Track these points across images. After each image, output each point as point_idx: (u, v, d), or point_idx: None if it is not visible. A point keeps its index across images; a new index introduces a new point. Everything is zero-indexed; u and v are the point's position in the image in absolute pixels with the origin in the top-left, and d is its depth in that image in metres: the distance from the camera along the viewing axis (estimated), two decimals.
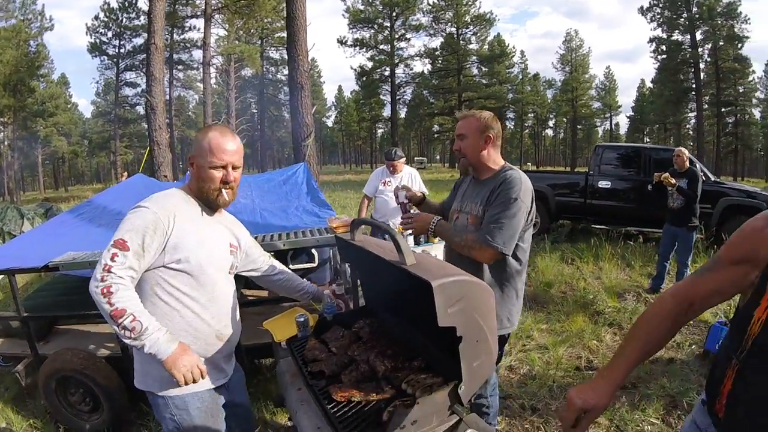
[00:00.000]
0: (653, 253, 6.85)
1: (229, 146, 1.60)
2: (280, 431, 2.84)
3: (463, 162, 2.08)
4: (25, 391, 3.23)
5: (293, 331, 2.00)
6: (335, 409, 1.34)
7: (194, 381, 1.46)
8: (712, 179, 7.80)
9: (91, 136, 47.24)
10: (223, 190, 1.62)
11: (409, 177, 4.74)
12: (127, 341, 1.39)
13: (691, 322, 4.34)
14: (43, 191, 42.37)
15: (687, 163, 5.20)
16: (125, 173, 15.57)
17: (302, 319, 1.99)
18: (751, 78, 39.48)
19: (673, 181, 5.03)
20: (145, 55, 36.75)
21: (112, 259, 1.40)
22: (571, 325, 4.31)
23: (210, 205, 1.67)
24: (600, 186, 8.53)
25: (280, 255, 3.44)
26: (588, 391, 1.15)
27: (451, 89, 43.84)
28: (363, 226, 1.80)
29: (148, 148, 11.27)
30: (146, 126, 45.00)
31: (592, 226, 9.08)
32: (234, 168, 1.64)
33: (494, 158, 2.06)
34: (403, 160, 4.76)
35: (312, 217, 4.00)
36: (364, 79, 44.86)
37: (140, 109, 42.22)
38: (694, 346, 3.94)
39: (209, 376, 1.64)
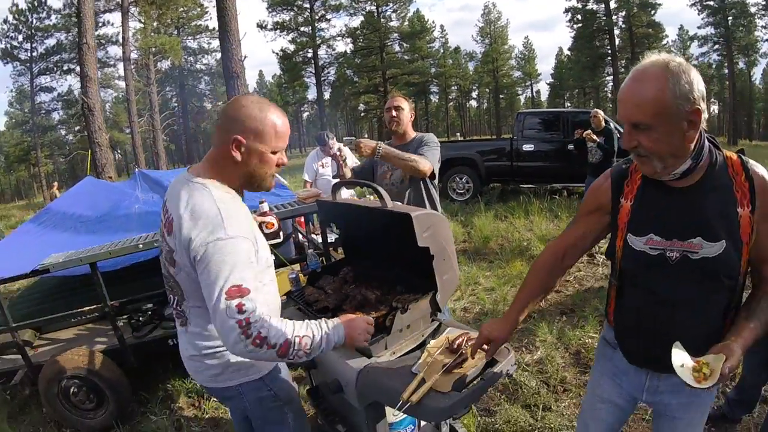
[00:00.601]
0: (577, 205, 7.71)
1: (287, 127, 1.53)
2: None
3: (396, 126, 2.78)
4: (17, 408, 3.26)
5: (287, 287, 2.36)
6: None
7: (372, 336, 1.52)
8: None
9: (8, 149, 42.66)
10: (275, 173, 1.55)
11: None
12: (304, 359, 1.34)
13: None
14: None
15: (603, 123, 5.91)
16: (56, 184, 14.69)
17: (294, 276, 2.37)
18: (665, 42, 40.17)
19: (596, 137, 5.71)
20: (59, 56, 33.99)
21: (240, 312, 1.21)
22: (511, 269, 4.94)
23: (255, 189, 1.56)
24: (524, 149, 9.29)
25: None
26: (494, 325, 1.43)
27: (374, 67, 43.74)
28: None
29: (89, 151, 10.78)
30: (64, 133, 41.21)
31: (520, 186, 9.85)
32: None
33: (411, 128, 2.87)
34: (335, 139, 5.09)
35: (273, 197, 4.26)
36: (287, 62, 43.88)
37: (56, 116, 39.46)
38: None
39: None
